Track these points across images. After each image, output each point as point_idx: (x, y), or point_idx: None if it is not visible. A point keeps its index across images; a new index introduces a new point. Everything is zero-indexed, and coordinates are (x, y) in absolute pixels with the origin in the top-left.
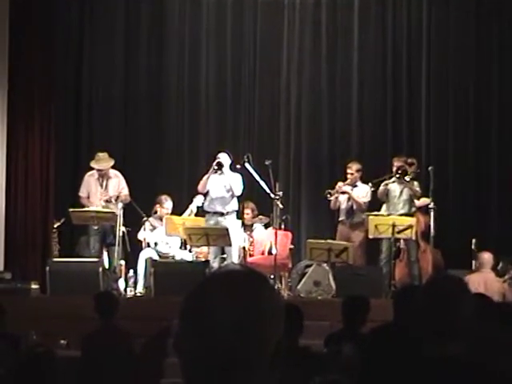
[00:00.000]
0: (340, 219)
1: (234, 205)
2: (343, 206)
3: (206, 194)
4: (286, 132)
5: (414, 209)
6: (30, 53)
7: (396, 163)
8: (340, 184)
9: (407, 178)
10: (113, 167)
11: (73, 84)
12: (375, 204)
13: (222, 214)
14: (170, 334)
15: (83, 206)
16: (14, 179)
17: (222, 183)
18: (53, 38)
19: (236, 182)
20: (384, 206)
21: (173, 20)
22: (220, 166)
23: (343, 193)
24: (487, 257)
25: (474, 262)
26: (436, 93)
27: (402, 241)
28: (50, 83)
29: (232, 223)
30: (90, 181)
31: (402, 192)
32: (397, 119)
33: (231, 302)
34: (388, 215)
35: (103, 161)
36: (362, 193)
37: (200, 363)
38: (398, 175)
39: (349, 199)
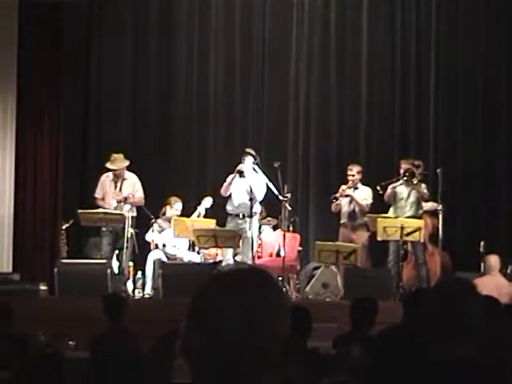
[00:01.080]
0: (342, 222)
1: (256, 207)
2: (345, 208)
3: (228, 197)
4: (295, 134)
5: (421, 211)
6: (38, 55)
7: (403, 165)
8: (343, 187)
9: (415, 181)
10: (128, 169)
11: (81, 86)
12: (377, 206)
13: (244, 217)
14: (178, 336)
15: (98, 207)
16: (23, 181)
17: (245, 187)
18: (61, 41)
19: (258, 187)
20: (391, 209)
21: (181, 20)
22: (241, 174)
23: (347, 196)
24: (494, 260)
25: (482, 264)
26: (445, 92)
27: (409, 243)
28: (59, 86)
29: (253, 226)
30: (105, 182)
31: (409, 194)
32: (405, 120)
33: (238, 301)
34: (395, 217)
35: (118, 161)
36: (364, 195)
37: (207, 363)
38: (405, 178)
39: (350, 202)
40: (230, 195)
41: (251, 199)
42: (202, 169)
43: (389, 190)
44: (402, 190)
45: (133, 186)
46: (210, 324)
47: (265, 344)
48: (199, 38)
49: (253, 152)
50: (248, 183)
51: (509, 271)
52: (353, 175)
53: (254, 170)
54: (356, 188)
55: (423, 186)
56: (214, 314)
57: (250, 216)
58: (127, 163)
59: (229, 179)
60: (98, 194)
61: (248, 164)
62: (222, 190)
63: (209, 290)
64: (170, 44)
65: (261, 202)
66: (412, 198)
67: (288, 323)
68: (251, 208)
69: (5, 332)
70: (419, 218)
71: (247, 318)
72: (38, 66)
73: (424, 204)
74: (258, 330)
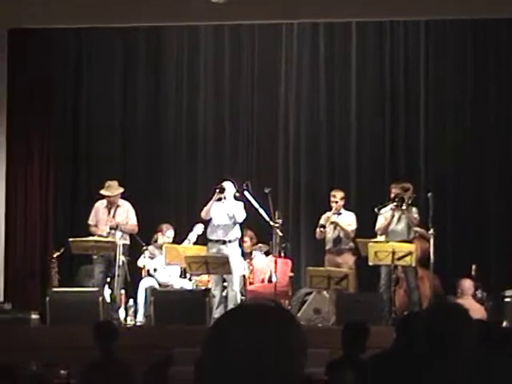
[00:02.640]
0: (327, 248)
1: (236, 232)
2: (329, 235)
3: (207, 222)
4: (285, 160)
5: (412, 235)
6: (28, 84)
7: (393, 190)
8: (328, 214)
9: (404, 206)
10: (122, 197)
11: (71, 115)
12: (366, 230)
13: (224, 242)
14: (171, 363)
15: (92, 234)
16: (14, 209)
17: (225, 211)
18: (51, 73)
19: (238, 210)
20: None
21: (171, 51)
22: (222, 189)
23: (332, 223)
24: (467, 284)
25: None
26: (434, 118)
27: (399, 268)
28: (49, 118)
29: (234, 251)
30: (98, 209)
31: (399, 219)
32: (395, 147)
33: (256, 336)
34: (387, 242)
35: (112, 188)
36: (348, 220)
37: None
38: (395, 203)
39: (335, 228)
40: (210, 220)
41: (233, 223)
42: (192, 197)
43: (383, 223)
44: (391, 215)
45: (126, 214)
46: (224, 354)
47: (280, 379)
48: (188, 69)
49: (231, 180)
50: (228, 207)
51: (479, 295)
52: (336, 202)
53: (234, 197)
54: (339, 214)
55: (414, 210)
56: (230, 344)
57: (229, 241)
58: (121, 190)
59: (209, 203)
60: (91, 221)
61: (229, 189)
62: (203, 213)
63: (229, 320)
64: (158, 75)
65: (241, 226)
66: (402, 223)
67: (305, 362)
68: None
69: None
70: (410, 242)
71: (264, 353)
72: (27, 100)
73: (415, 229)
74: (275, 367)
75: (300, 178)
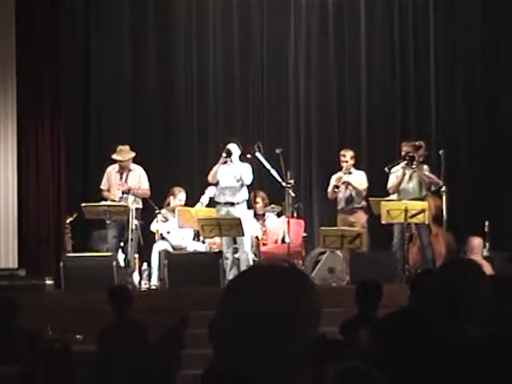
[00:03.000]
0: (339, 208)
1: (244, 194)
2: (341, 194)
3: (216, 185)
4: (296, 120)
5: (424, 193)
6: (37, 50)
7: (404, 148)
8: (340, 174)
9: (414, 165)
10: (134, 162)
11: (81, 80)
12: (378, 189)
13: (232, 204)
14: (186, 326)
15: (105, 199)
16: (26, 176)
17: (232, 173)
18: (60, 35)
19: (245, 172)
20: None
21: (180, 7)
22: (229, 153)
23: (344, 183)
24: (477, 241)
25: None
26: (444, 74)
27: (413, 225)
28: (59, 80)
29: (243, 213)
30: (110, 173)
31: (411, 177)
32: (406, 103)
33: (269, 297)
34: (399, 200)
35: (124, 152)
36: (360, 179)
37: (234, 351)
38: (405, 162)
39: (346, 187)
40: (217, 182)
41: (241, 185)
42: (203, 159)
43: (394, 182)
44: (402, 173)
45: (138, 178)
46: (238, 314)
47: (291, 342)
48: (197, 28)
49: (237, 142)
50: (235, 169)
51: (485, 253)
52: (346, 161)
53: (239, 158)
54: (350, 173)
55: (425, 167)
56: (247, 300)
57: (238, 203)
58: (133, 154)
59: (216, 167)
60: (103, 186)
61: (233, 150)
62: (210, 177)
63: (242, 279)
64: (168, 35)
65: (248, 189)
66: (414, 181)
67: (318, 324)
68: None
69: (12, 327)
70: (422, 199)
71: (277, 313)
72: (36, 65)
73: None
74: (288, 327)
75: (311, 138)
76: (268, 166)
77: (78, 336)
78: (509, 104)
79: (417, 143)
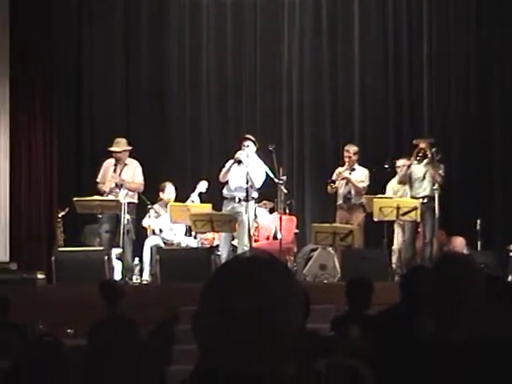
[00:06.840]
0: (338, 203)
1: (254, 193)
2: (341, 190)
3: (225, 183)
4: (289, 117)
5: (435, 191)
6: (30, 43)
7: (421, 145)
8: (340, 170)
9: (424, 161)
10: (131, 156)
11: (74, 73)
12: (374, 187)
13: (240, 200)
14: (177, 321)
15: (99, 192)
16: (18, 170)
17: (243, 174)
18: (53, 31)
19: (257, 176)
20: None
21: (173, 5)
22: (239, 163)
23: (343, 179)
24: (459, 242)
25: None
26: (437, 72)
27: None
28: (52, 76)
29: (249, 209)
30: (107, 167)
31: (424, 176)
32: (399, 101)
33: (250, 287)
34: (411, 197)
35: (120, 144)
36: (361, 176)
37: (219, 342)
38: (418, 157)
39: (346, 183)
40: (227, 181)
41: (250, 186)
42: (196, 155)
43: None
44: (417, 169)
45: (133, 172)
46: (221, 307)
47: (276, 332)
48: (191, 25)
49: (253, 138)
50: (246, 170)
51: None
52: (349, 156)
53: (257, 155)
54: (353, 169)
55: (442, 166)
56: (229, 292)
57: (246, 200)
58: (129, 148)
59: (227, 166)
60: (99, 179)
61: (250, 150)
62: (221, 177)
63: (226, 269)
64: (162, 31)
65: (259, 189)
66: (427, 179)
67: (302, 314)
68: (247, 192)
69: (3, 321)
70: (434, 198)
71: (259, 305)
72: (29, 55)
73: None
74: (271, 318)
75: (304, 135)
76: (261, 162)
77: (69, 330)
78: (501, 106)
79: (432, 141)
